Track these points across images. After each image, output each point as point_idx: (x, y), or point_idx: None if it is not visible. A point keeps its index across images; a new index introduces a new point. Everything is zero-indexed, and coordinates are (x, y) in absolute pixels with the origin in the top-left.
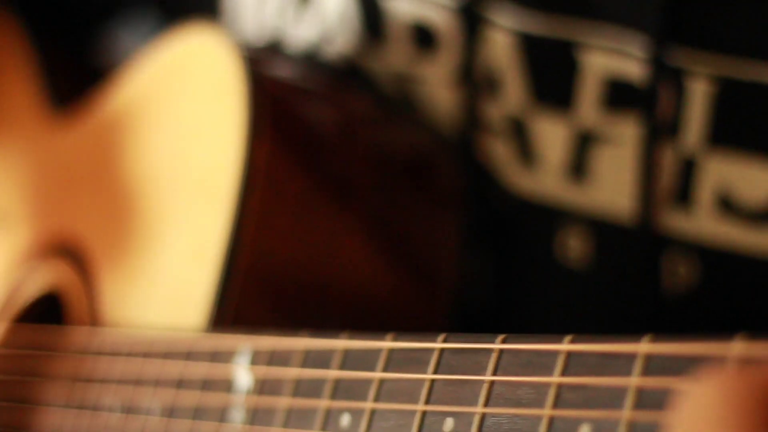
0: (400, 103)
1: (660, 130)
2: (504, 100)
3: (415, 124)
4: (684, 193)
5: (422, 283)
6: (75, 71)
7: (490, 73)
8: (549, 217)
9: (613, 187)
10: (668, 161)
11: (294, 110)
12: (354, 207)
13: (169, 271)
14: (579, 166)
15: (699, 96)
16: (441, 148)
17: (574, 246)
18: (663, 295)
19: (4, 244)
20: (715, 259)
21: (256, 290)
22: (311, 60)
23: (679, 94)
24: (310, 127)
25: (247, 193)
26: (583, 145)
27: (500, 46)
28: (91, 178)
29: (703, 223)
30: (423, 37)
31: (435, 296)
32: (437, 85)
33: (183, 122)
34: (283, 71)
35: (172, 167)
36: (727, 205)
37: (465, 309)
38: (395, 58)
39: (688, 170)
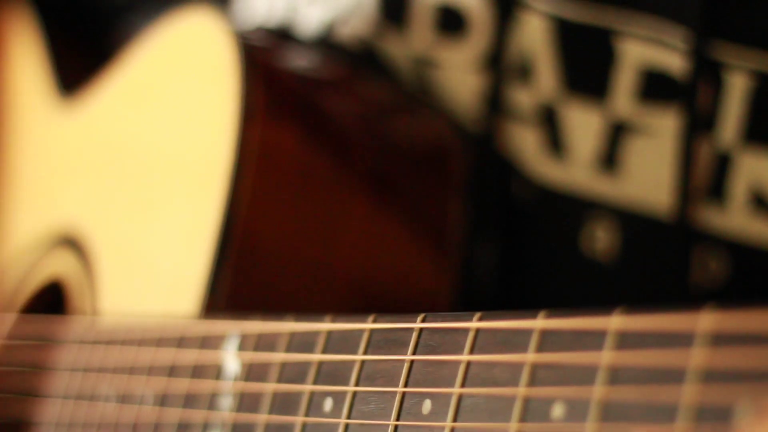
0: (413, 88)
1: (698, 124)
2: (535, 87)
3: (423, 107)
4: (718, 189)
5: (424, 264)
6: (85, 58)
7: (522, 59)
8: (576, 208)
9: (646, 179)
10: (704, 156)
11: (290, 91)
12: (352, 187)
13: (164, 257)
14: (611, 157)
15: (737, 91)
16: (449, 132)
17: (602, 238)
18: (691, 290)
19: (12, 232)
20: (746, 256)
21: (250, 273)
22: (320, 44)
23: (718, 88)
24: (307, 108)
25: (240, 174)
26: (616, 136)
27: (534, 30)
28: (92, 164)
29: (735, 219)
30: (450, 19)
31: (438, 279)
32: (460, 70)
33: (177, 105)
34: (288, 55)
35: (167, 151)
36: (761, 202)
37: (472, 297)
38: (416, 41)
39: (722, 166)
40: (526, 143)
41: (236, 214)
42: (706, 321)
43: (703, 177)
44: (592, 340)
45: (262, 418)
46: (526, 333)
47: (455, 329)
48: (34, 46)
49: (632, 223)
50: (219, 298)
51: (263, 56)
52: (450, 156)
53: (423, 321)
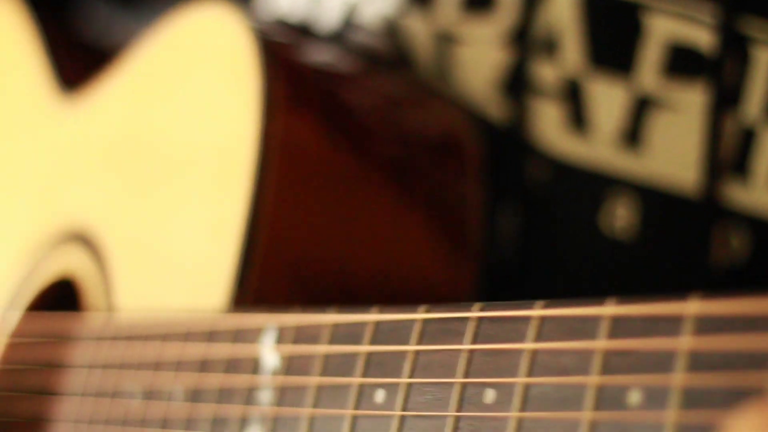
0: (431, 69)
1: (725, 99)
2: (561, 61)
3: (439, 95)
4: (741, 165)
5: (449, 254)
6: (82, 51)
7: (549, 33)
8: (597, 185)
9: (670, 155)
10: (729, 131)
11: (311, 83)
12: (373, 179)
13: (187, 252)
14: (635, 132)
15: (764, 65)
16: (464, 119)
17: (622, 215)
18: (712, 267)
19: (15, 231)
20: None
21: (277, 266)
22: (340, 37)
23: (745, 62)
24: (328, 99)
25: (264, 167)
26: (641, 111)
27: (562, 4)
28: (103, 159)
29: (758, 195)
30: None
31: (462, 267)
32: (485, 45)
33: (194, 99)
34: (307, 49)
35: (187, 145)
36: None
37: (493, 276)
38: (442, 17)
39: (747, 141)
40: (547, 119)
41: (262, 208)
42: None
43: (729, 153)
44: (668, 325)
45: (306, 411)
46: (595, 320)
47: (516, 318)
48: (30, 40)
49: (654, 199)
50: (247, 292)
51: (283, 49)
52: (467, 143)
53: (481, 310)
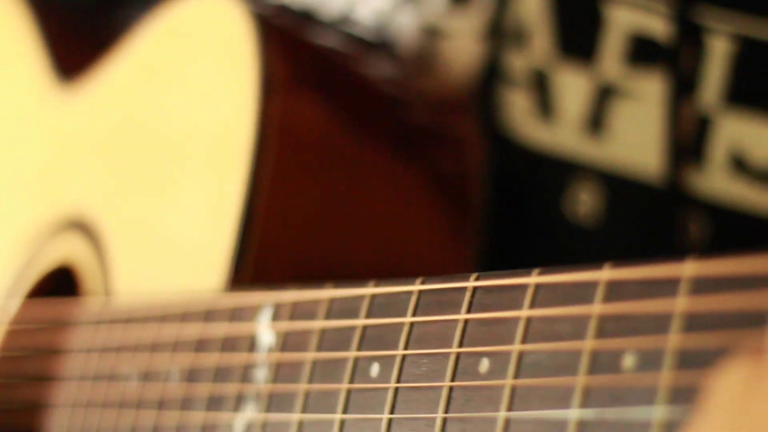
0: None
1: (681, 88)
2: (530, 52)
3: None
4: (698, 151)
5: (449, 236)
6: (81, 40)
7: (519, 25)
8: (561, 171)
9: (632, 142)
10: (686, 118)
11: (309, 63)
12: (373, 159)
13: (184, 235)
14: (597, 119)
15: (718, 54)
16: (461, 100)
17: (585, 201)
18: (673, 254)
19: (15, 219)
20: (726, 218)
21: (275, 248)
22: (339, 25)
23: (700, 51)
24: (327, 78)
25: (262, 148)
26: (603, 99)
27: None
28: (100, 146)
29: (715, 181)
30: None
31: (462, 249)
32: (465, 38)
33: (192, 82)
34: (307, 31)
35: (182, 129)
36: (740, 164)
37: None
38: (427, 11)
39: (703, 128)
40: (517, 107)
41: (260, 189)
42: None
43: (687, 140)
44: (664, 287)
45: (301, 387)
46: (591, 285)
47: (512, 286)
48: (27, 29)
49: (616, 186)
50: (245, 273)
51: (282, 30)
52: (465, 122)
53: (477, 280)
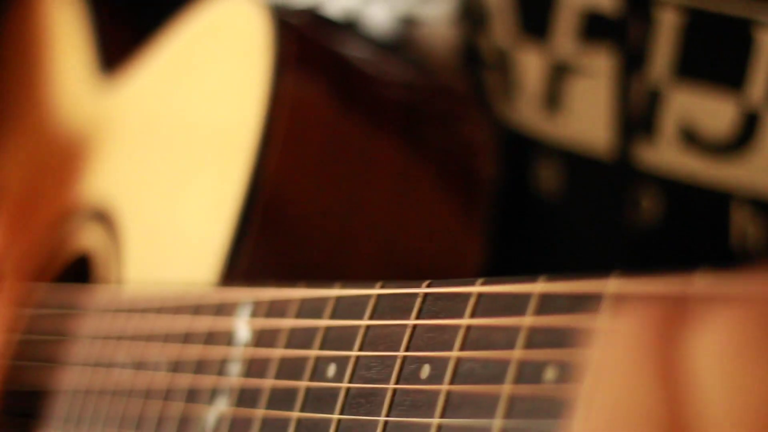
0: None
1: (631, 62)
2: (493, 33)
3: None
4: (648, 125)
5: (457, 220)
6: (125, 34)
7: (484, 7)
8: (526, 148)
9: (586, 118)
10: (636, 93)
11: (320, 46)
12: (380, 148)
13: (189, 227)
14: (553, 97)
15: (667, 27)
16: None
17: (548, 177)
18: (629, 228)
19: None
20: (678, 192)
21: (274, 241)
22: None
23: (649, 24)
24: (337, 61)
25: (267, 141)
26: (558, 77)
27: None
28: (127, 141)
29: (666, 154)
30: None
31: (468, 238)
32: (439, 25)
33: (213, 81)
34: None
35: (200, 124)
36: (691, 137)
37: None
38: (400, 1)
39: (653, 101)
40: (488, 87)
41: (262, 181)
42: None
43: (636, 114)
44: (589, 303)
45: (267, 383)
46: (526, 297)
47: (458, 294)
48: (78, 21)
49: (575, 162)
50: (239, 266)
51: (295, 19)
52: (468, 108)
53: (428, 286)
